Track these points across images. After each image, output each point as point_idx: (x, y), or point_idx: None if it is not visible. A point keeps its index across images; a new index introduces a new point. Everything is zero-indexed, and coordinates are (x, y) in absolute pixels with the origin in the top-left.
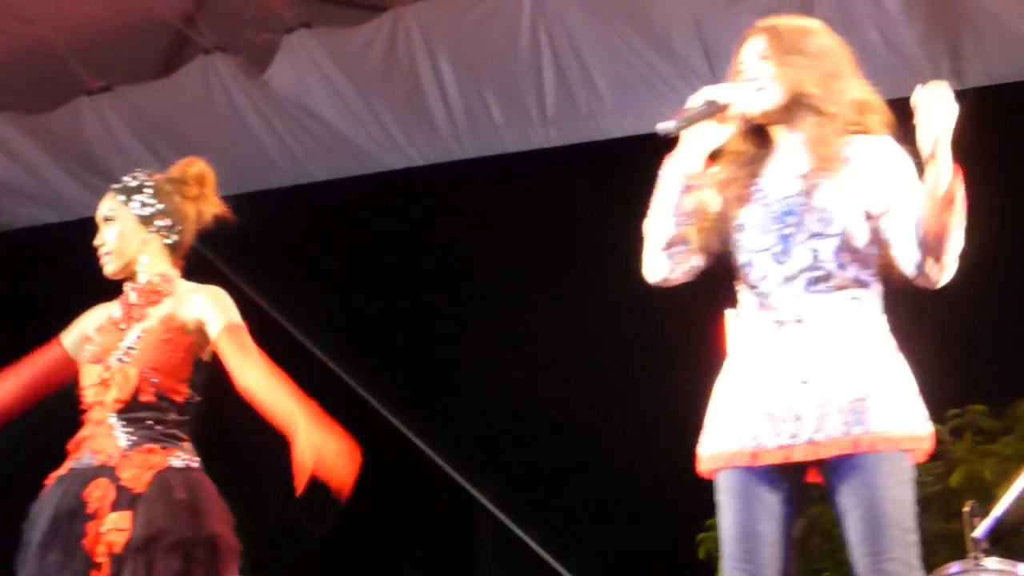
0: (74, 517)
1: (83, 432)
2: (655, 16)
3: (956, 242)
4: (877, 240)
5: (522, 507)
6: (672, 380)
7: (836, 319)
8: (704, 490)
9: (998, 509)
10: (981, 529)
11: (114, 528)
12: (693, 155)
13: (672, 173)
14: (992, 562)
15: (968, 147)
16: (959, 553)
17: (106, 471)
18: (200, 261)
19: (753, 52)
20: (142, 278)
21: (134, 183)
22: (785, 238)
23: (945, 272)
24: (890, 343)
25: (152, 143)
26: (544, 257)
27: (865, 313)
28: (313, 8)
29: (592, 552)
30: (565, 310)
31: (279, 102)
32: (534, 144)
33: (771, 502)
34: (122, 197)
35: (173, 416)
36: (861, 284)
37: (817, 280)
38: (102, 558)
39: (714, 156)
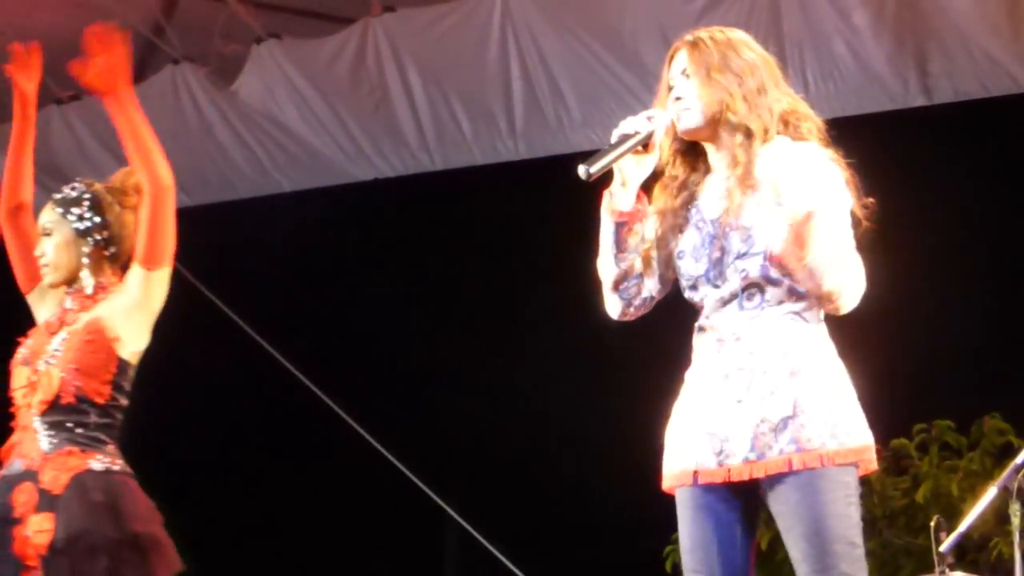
0: (3, 523)
1: (12, 438)
2: (623, 29)
3: (824, 271)
4: None
5: (490, 520)
6: (643, 393)
7: (771, 336)
8: (670, 504)
9: (964, 524)
10: (947, 544)
11: (37, 530)
12: (621, 192)
13: (605, 212)
14: None
15: (936, 163)
16: (925, 567)
17: (30, 475)
18: None
19: (677, 68)
20: (82, 286)
21: (73, 195)
22: (716, 261)
23: (836, 299)
24: (827, 355)
25: (120, 153)
26: (513, 270)
27: (802, 327)
28: (282, 19)
29: (561, 565)
30: (535, 322)
31: (247, 112)
32: (503, 156)
33: (723, 515)
34: (60, 210)
35: (94, 419)
36: (799, 297)
37: (751, 298)
38: (32, 561)
39: (655, 181)
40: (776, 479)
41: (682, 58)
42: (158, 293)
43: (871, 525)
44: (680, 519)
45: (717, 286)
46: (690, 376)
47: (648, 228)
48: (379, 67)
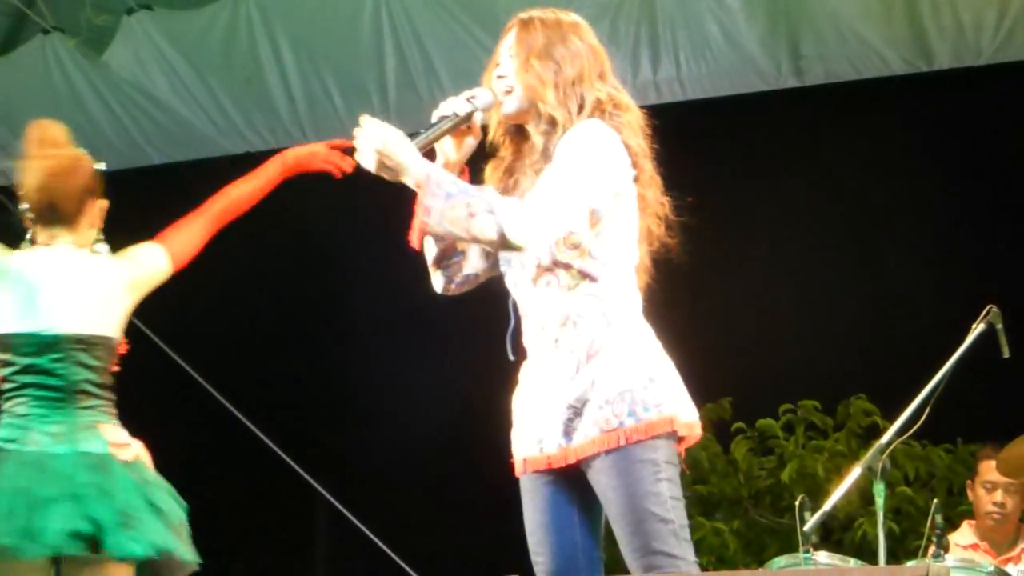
0: None
1: None
2: (497, 6)
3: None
4: (600, 228)
5: (361, 499)
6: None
7: (568, 320)
8: None
9: (828, 504)
10: (811, 523)
11: None
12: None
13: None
14: (822, 556)
15: (810, 144)
16: (790, 547)
17: None
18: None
19: (506, 46)
20: None
21: None
22: None
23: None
24: (626, 334)
25: (10, 121)
26: (392, 249)
27: (599, 308)
28: None
29: (430, 544)
30: (412, 302)
31: (118, 84)
32: None
33: (557, 497)
34: None
35: None
36: (591, 278)
37: (548, 284)
38: None
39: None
40: (587, 462)
41: (511, 37)
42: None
43: (736, 504)
44: (523, 505)
45: (518, 271)
46: (522, 366)
47: None
48: (251, 40)
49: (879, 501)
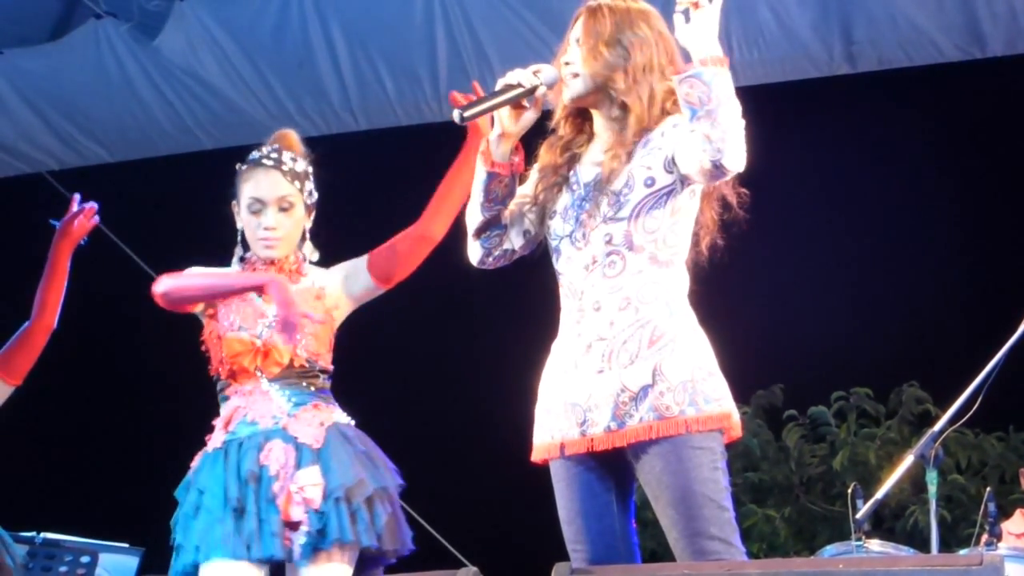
0: (259, 483)
1: (232, 403)
2: None
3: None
4: (677, 217)
5: (407, 483)
6: None
7: (630, 304)
8: None
9: (881, 492)
10: (863, 511)
11: (310, 484)
12: (497, 142)
13: (479, 158)
14: (874, 544)
15: (866, 132)
16: (841, 535)
17: (276, 433)
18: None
19: (574, 34)
20: (287, 260)
21: (300, 167)
22: (582, 224)
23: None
24: (688, 324)
25: (40, 108)
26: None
27: (663, 296)
28: None
29: (475, 527)
30: (452, 287)
31: (169, 69)
32: (427, 118)
33: (595, 484)
34: (297, 184)
35: (321, 381)
36: (660, 264)
37: (612, 265)
38: (299, 516)
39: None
40: (640, 448)
41: (579, 26)
42: (365, 301)
43: (788, 491)
44: (556, 492)
45: (579, 248)
46: (555, 346)
47: (527, 185)
48: (303, 25)
49: (932, 489)
